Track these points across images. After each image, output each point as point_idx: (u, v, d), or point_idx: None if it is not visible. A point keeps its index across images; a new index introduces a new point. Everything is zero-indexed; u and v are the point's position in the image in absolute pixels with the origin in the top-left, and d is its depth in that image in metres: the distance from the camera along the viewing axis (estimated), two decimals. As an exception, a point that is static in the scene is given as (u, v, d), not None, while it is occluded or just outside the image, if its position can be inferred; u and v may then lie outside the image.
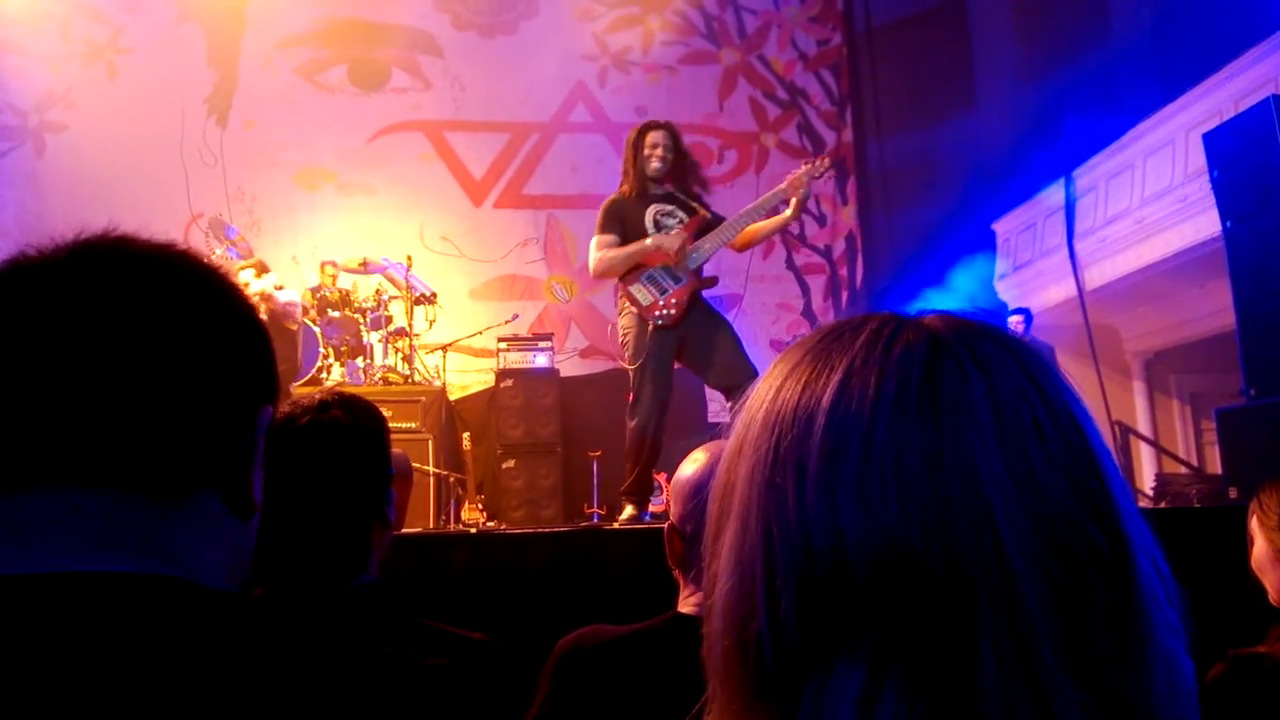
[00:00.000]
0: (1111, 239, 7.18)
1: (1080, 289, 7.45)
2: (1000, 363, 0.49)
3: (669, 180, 4.32)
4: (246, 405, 0.69)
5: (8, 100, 8.04)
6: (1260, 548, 1.57)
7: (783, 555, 0.47)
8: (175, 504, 0.64)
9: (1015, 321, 7.14)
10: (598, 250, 4.26)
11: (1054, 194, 7.89)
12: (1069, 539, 0.46)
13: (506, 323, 7.04)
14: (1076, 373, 7.54)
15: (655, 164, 4.25)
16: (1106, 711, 0.44)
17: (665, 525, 1.55)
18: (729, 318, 8.49)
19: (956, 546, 0.44)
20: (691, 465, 1.53)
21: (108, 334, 0.63)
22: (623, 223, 4.26)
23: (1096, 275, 7.39)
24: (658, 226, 4.29)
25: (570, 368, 6.58)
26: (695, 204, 4.39)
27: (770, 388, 0.53)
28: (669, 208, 4.32)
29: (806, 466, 0.47)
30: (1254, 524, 1.62)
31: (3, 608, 0.56)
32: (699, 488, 1.49)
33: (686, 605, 1.52)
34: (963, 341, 0.49)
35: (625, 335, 4.31)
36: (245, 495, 0.68)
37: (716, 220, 4.44)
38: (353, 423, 1.43)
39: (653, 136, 4.28)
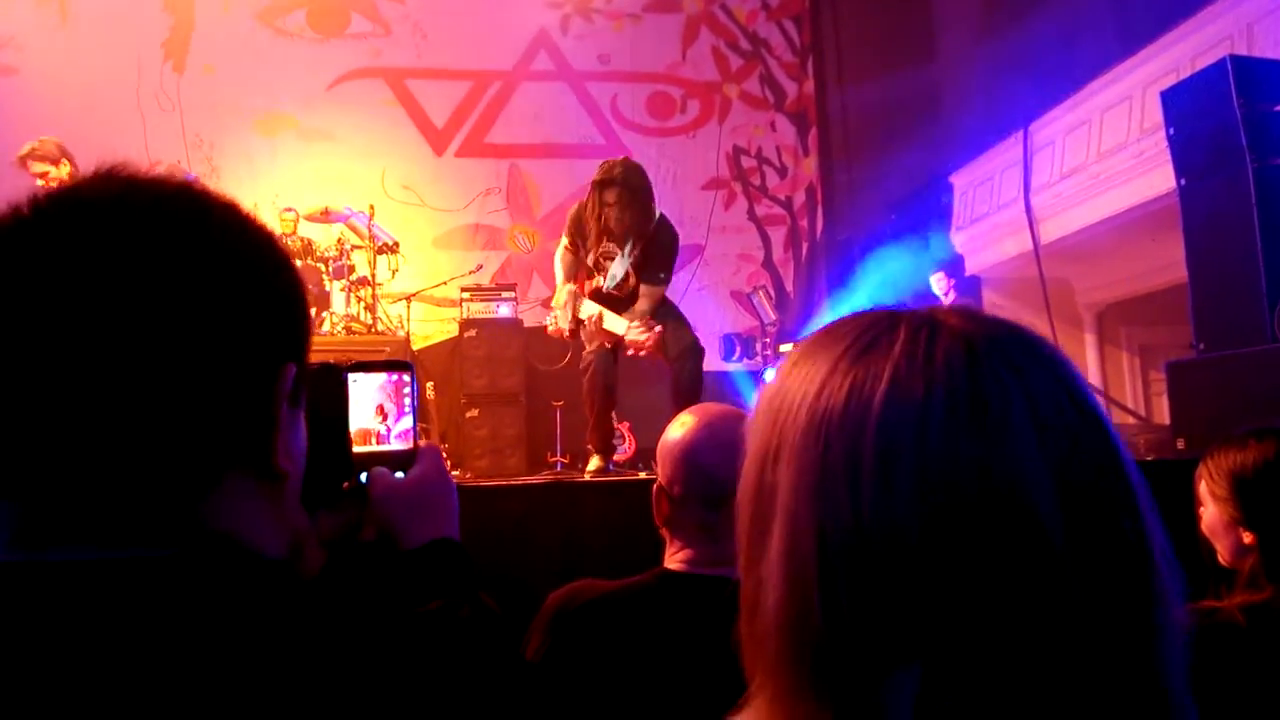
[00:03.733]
0: (1067, 194, 7.29)
1: (1035, 242, 7.58)
2: (1032, 368, 0.52)
3: (625, 222, 4.42)
4: (261, 379, 0.64)
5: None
6: (1212, 514, 1.62)
7: (839, 557, 0.49)
8: (201, 496, 0.61)
9: (937, 278, 7.20)
10: (558, 255, 4.62)
11: (1011, 148, 7.98)
12: (1105, 535, 0.50)
13: (470, 273, 7.02)
14: (1031, 325, 7.66)
15: (611, 223, 4.39)
16: (1137, 692, 0.49)
17: (654, 486, 1.60)
18: (690, 268, 8.57)
19: (1007, 547, 0.48)
20: (680, 429, 1.58)
21: (82, 326, 0.57)
22: (581, 234, 4.52)
23: (1052, 229, 7.52)
24: (597, 267, 4.50)
25: (533, 317, 6.59)
26: (630, 266, 4.48)
27: (806, 389, 0.53)
28: (614, 249, 4.45)
29: (861, 469, 0.49)
30: (1202, 489, 1.65)
31: (32, 597, 0.55)
32: (688, 451, 1.54)
33: (674, 562, 1.58)
34: (997, 348, 0.52)
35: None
36: (270, 466, 0.65)
37: (636, 287, 4.51)
38: None
39: (607, 195, 4.39)
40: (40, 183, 4.89)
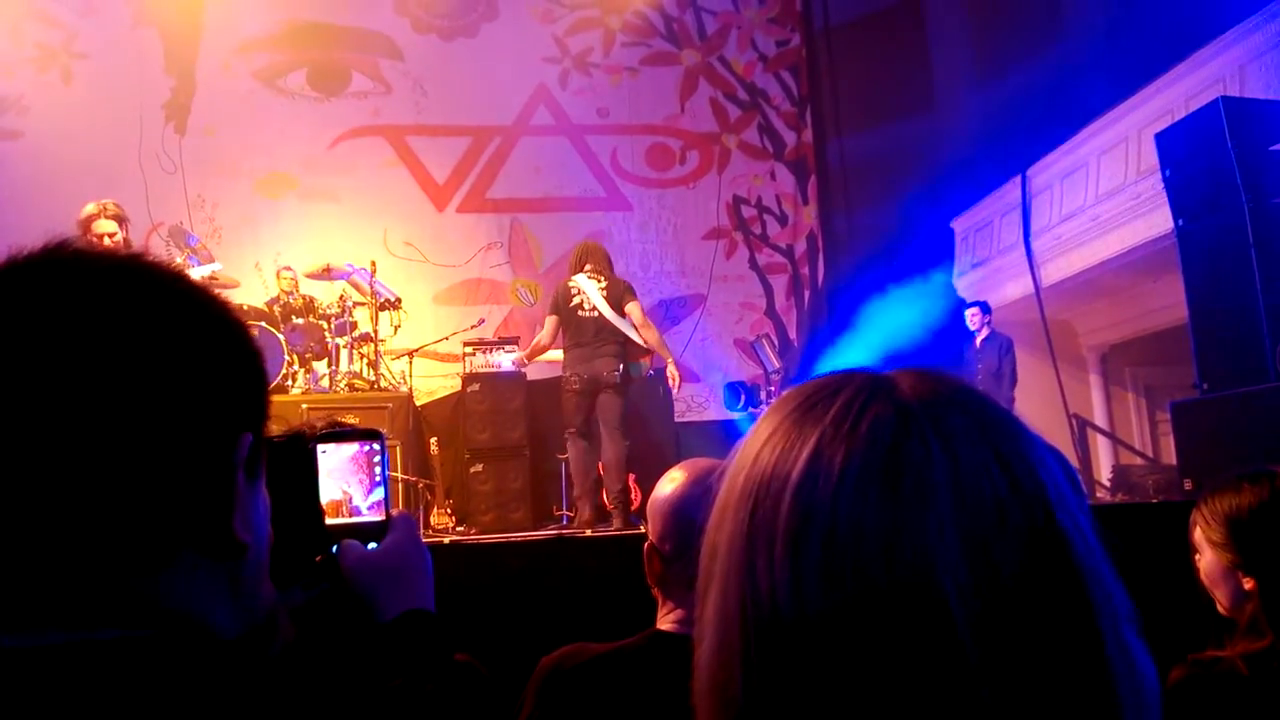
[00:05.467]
0: (1066, 236, 7.32)
1: (1037, 285, 7.59)
2: (966, 436, 0.49)
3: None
4: (216, 450, 0.62)
5: (-43, 107, 7.87)
6: (1209, 561, 1.57)
7: (755, 626, 0.48)
8: (152, 574, 0.59)
9: (972, 314, 7.28)
10: (545, 327, 5.54)
11: (1010, 192, 8.03)
12: (1029, 617, 0.46)
13: (472, 328, 7.03)
14: (1034, 367, 7.68)
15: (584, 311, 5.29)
16: None
17: (645, 545, 1.57)
18: (693, 318, 8.65)
19: (910, 634, 0.45)
20: (669, 485, 1.55)
21: (25, 401, 0.56)
22: (558, 310, 5.38)
23: (1053, 271, 7.53)
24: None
25: (536, 370, 6.58)
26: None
27: (752, 451, 0.53)
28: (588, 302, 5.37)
29: (775, 542, 0.48)
30: (1198, 536, 1.59)
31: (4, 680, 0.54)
32: (677, 507, 1.51)
33: (666, 622, 1.54)
34: (930, 414, 0.49)
35: None
36: (227, 542, 0.63)
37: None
38: None
39: (574, 284, 5.32)
40: (108, 242, 4.91)
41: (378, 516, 0.95)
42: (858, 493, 0.47)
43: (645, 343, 5.38)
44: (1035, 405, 7.54)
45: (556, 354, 5.75)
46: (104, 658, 0.55)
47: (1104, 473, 7.75)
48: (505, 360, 6.41)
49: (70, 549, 0.57)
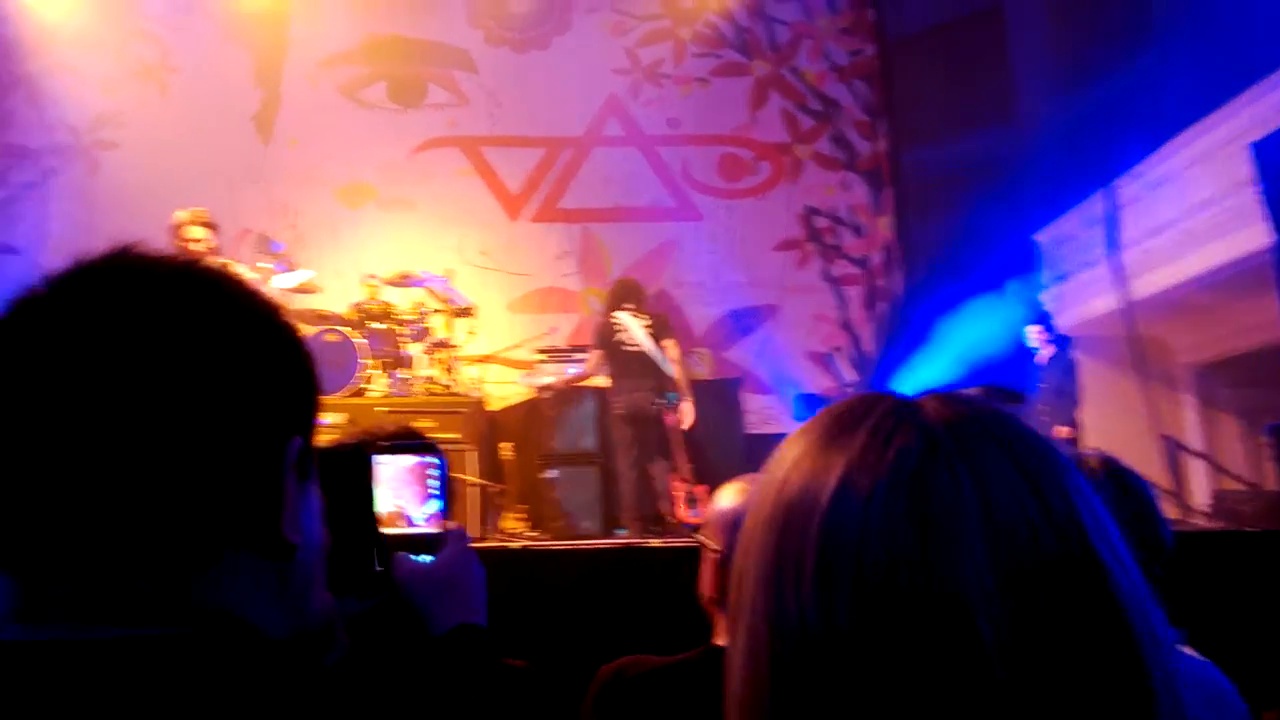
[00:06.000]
0: (1155, 250, 7.06)
1: (1125, 300, 7.34)
2: (996, 464, 0.49)
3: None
4: (266, 453, 0.63)
5: (63, 119, 8.26)
6: None
7: (784, 657, 0.49)
8: (199, 572, 0.60)
9: (1034, 331, 7.15)
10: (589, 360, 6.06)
11: (1095, 204, 7.79)
12: (1065, 648, 0.45)
13: (544, 335, 7.10)
14: (1122, 385, 7.43)
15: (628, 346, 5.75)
16: None
17: (711, 559, 1.55)
18: (764, 329, 8.64)
19: (943, 661, 0.45)
20: (731, 498, 1.54)
21: (86, 401, 0.57)
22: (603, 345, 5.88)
23: (1141, 287, 7.28)
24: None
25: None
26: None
27: (777, 478, 0.53)
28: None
29: (803, 573, 0.49)
30: None
31: (32, 676, 0.54)
32: (739, 520, 1.49)
33: (723, 637, 1.52)
34: (958, 441, 0.49)
35: None
36: (276, 543, 0.64)
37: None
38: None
39: (618, 320, 5.79)
40: (196, 247, 5.13)
41: (433, 529, 0.96)
42: (886, 524, 0.47)
43: (675, 378, 5.78)
44: (1122, 425, 7.29)
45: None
46: (149, 653, 0.56)
47: (1198, 497, 7.44)
48: (576, 369, 6.46)
49: (121, 546, 0.58)
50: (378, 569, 0.93)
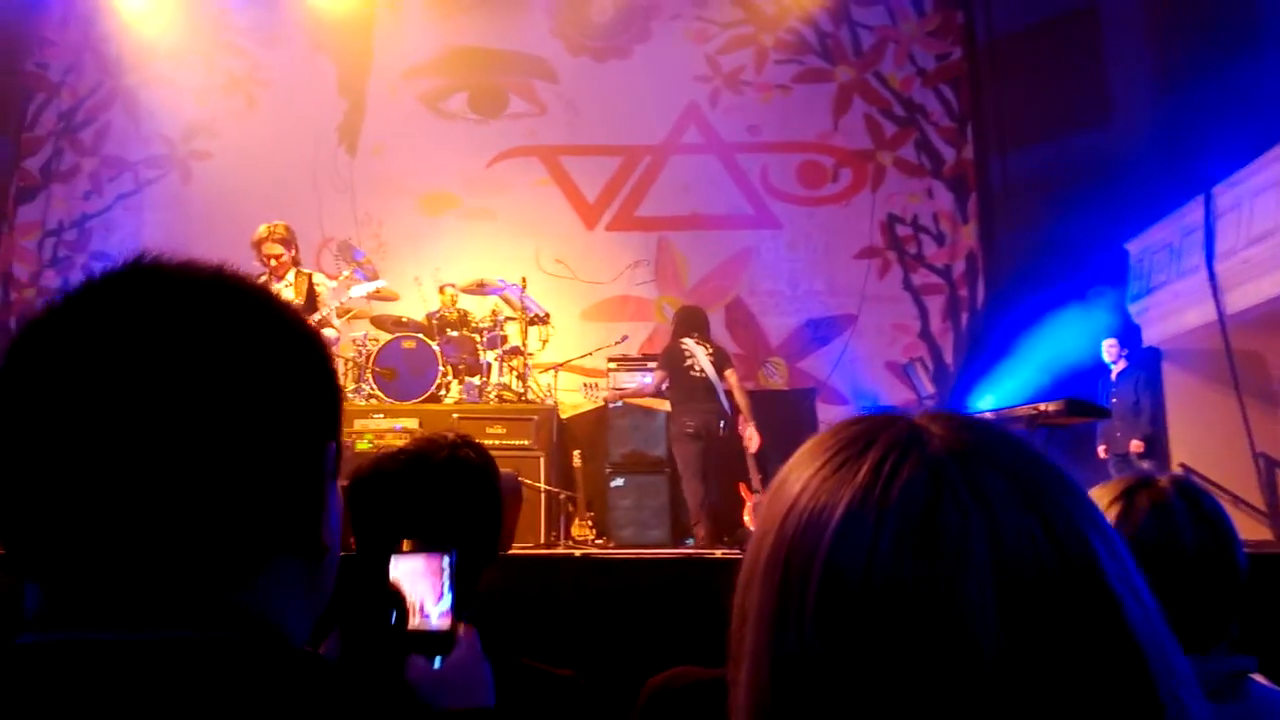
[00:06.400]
0: (1255, 260, 6.73)
1: (1220, 313, 7.02)
2: (1004, 499, 0.47)
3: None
4: (309, 459, 0.65)
5: (158, 130, 8.64)
6: None
7: (787, 696, 0.48)
8: (251, 579, 0.62)
9: (1109, 345, 7.05)
10: (653, 379, 6.22)
11: (1192, 211, 7.46)
12: (1078, 687, 0.44)
13: (616, 344, 7.12)
14: (1216, 401, 7.11)
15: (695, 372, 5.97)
16: None
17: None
18: (842, 338, 8.52)
19: (955, 690, 0.44)
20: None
21: (140, 411, 0.58)
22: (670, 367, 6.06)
23: (1239, 299, 6.94)
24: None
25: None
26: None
27: (779, 511, 0.52)
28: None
29: (805, 611, 0.47)
30: None
31: (74, 674, 0.56)
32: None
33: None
34: (965, 472, 0.48)
35: None
36: (316, 545, 0.66)
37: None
38: (483, 464, 1.49)
39: (686, 347, 5.99)
40: (273, 263, 5.36)
41: (444, 625, 1.01)
42: (892, 562, 0.46)
43: (737, 405, 5.95)
44: (1215, 442, 6.98)
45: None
46: (196, 656, 0.57)
47: (1300, 519, 7.06)
48: (647, 378, 6.46)
49: (178, 554, 0.59)
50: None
